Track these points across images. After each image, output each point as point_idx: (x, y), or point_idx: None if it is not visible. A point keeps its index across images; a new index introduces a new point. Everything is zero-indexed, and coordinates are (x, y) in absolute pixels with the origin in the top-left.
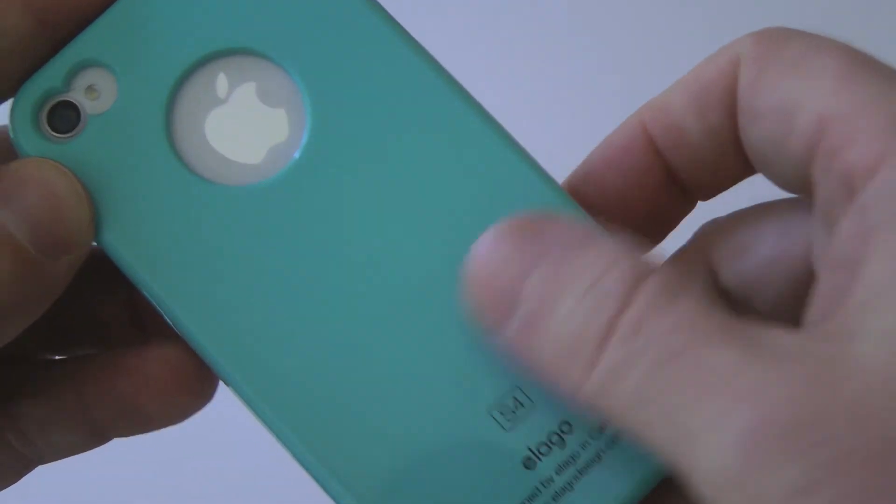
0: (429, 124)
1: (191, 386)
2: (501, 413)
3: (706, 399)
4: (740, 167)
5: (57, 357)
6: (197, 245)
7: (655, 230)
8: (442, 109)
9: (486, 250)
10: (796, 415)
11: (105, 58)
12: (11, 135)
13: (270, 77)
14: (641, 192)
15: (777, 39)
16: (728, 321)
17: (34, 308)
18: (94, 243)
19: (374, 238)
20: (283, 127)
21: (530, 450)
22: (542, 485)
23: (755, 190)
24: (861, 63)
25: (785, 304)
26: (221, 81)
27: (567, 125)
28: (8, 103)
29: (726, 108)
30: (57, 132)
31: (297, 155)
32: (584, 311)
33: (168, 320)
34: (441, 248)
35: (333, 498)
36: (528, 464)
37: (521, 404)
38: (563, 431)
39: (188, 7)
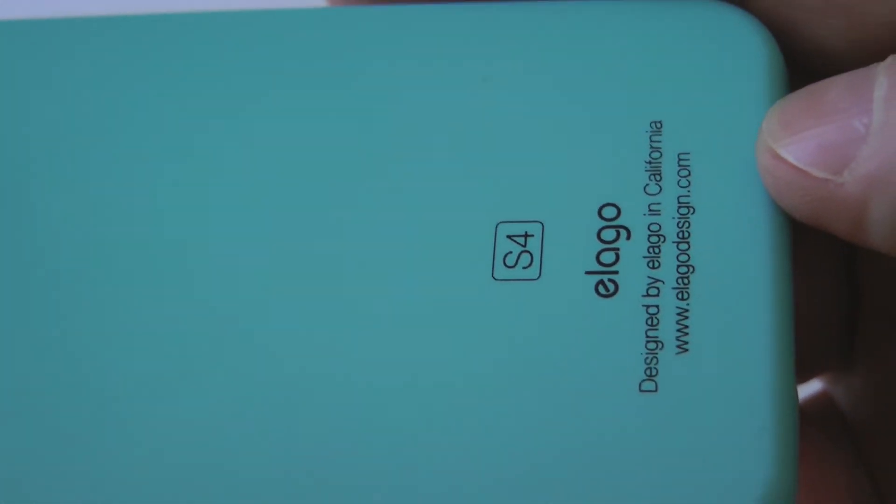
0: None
1: None
2: (510, 267)
3: None
4: None
5: None
6: None
7: None
8: None
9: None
10: None
11: None
12: None
13: None
14: None
15: None
16: None
17: None
18: None
19: None
20: None
21: (591, 272)
22: (651, 291)
23: None
24: None
25: None
26: None
27: None
28: None
29: None
30: None
31: None
32: None
33: None
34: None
35: None
36: (603, 290)
37: (526, 234)
38: (608, 218)
39: None
